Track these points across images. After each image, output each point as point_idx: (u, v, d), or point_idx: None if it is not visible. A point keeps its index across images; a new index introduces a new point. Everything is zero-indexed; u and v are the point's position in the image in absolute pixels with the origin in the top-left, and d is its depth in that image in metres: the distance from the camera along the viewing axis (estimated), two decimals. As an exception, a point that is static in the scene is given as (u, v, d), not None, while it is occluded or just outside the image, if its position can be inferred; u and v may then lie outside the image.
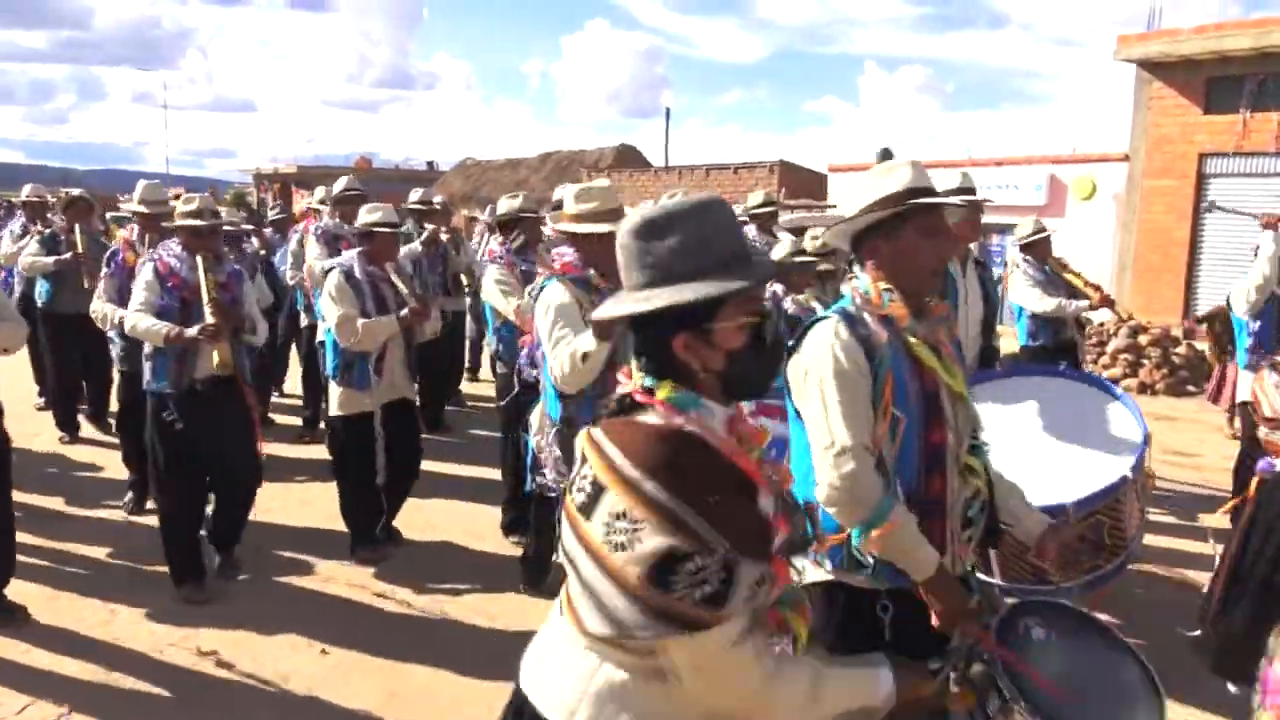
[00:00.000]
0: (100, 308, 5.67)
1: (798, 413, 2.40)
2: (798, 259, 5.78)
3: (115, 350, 6.15)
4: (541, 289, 4.06)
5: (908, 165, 2.39)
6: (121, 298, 5.47)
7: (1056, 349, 6.26)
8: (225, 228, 6.70)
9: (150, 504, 5.92)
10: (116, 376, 6.44)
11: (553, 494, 4.32)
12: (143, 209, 6.17)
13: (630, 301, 1.66)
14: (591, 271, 4.00)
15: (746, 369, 1.67)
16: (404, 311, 5.22)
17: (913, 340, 2.32)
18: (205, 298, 4.74)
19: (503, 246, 5.92)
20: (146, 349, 4.84)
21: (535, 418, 4.39)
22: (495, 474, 6.56)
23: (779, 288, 5.66)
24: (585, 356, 3.69)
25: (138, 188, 6.40)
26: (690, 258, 1.62)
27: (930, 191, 2.37)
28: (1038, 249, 6.45)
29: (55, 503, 6.38)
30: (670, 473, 1.53)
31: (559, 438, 4.08)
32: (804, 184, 22.25)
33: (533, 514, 4.85)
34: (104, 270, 5.86)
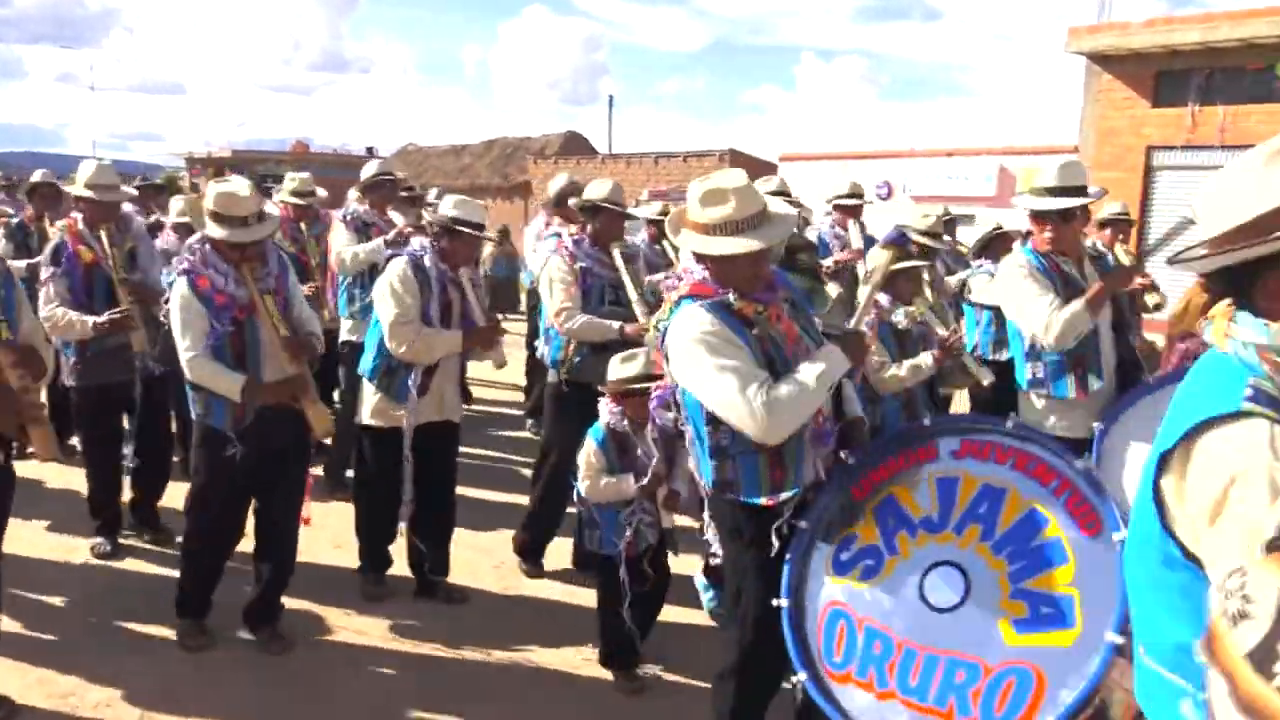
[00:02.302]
0: (56, 314, 4.73)
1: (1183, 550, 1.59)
2: (903, 263, 4.57)
3: (67, 362, 5.02)
4: (671, 315, 3.00)
5: None
6: (77, 298, 4.81)
7: None
8: (181, 219, 6.18)
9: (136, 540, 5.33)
10: (75, 396, 5.25)
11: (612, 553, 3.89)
12: (90, 194, 5.06)
13: None
14: (732, 296, 2.90)
15: None
16: (473, 329, 4.44)
17: None
18: (274, 338, 3.88)
19: (574, 237, 5.03)
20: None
21: (585, 459, 3.95)
22: (504, 495, 6.26)
23: (884, 298, 4.55)
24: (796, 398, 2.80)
25: (83, 168, 5.24)
26: None
27: None
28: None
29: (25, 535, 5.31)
30: None
31: (715, 505, 3.13)
32: (753, 173, 22.00)
33: (598, 586, 4.13)
34: (47, 269, 4.87)
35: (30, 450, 3.57)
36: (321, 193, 7.32)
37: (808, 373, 2.79)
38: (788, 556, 2.86)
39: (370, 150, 42.12)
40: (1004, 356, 5.89)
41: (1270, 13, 14.01)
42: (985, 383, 4.73)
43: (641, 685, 4.02)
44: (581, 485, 3.98)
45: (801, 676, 2.73)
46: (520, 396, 9.00)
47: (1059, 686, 2.41)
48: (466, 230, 4.39)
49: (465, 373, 4.74)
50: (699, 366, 2.81)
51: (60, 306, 4.77)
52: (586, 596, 4.49)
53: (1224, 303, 1.64)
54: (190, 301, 3.83)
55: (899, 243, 3.94)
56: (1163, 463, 1.62)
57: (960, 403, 7.02)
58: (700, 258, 2.96)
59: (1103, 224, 7.22)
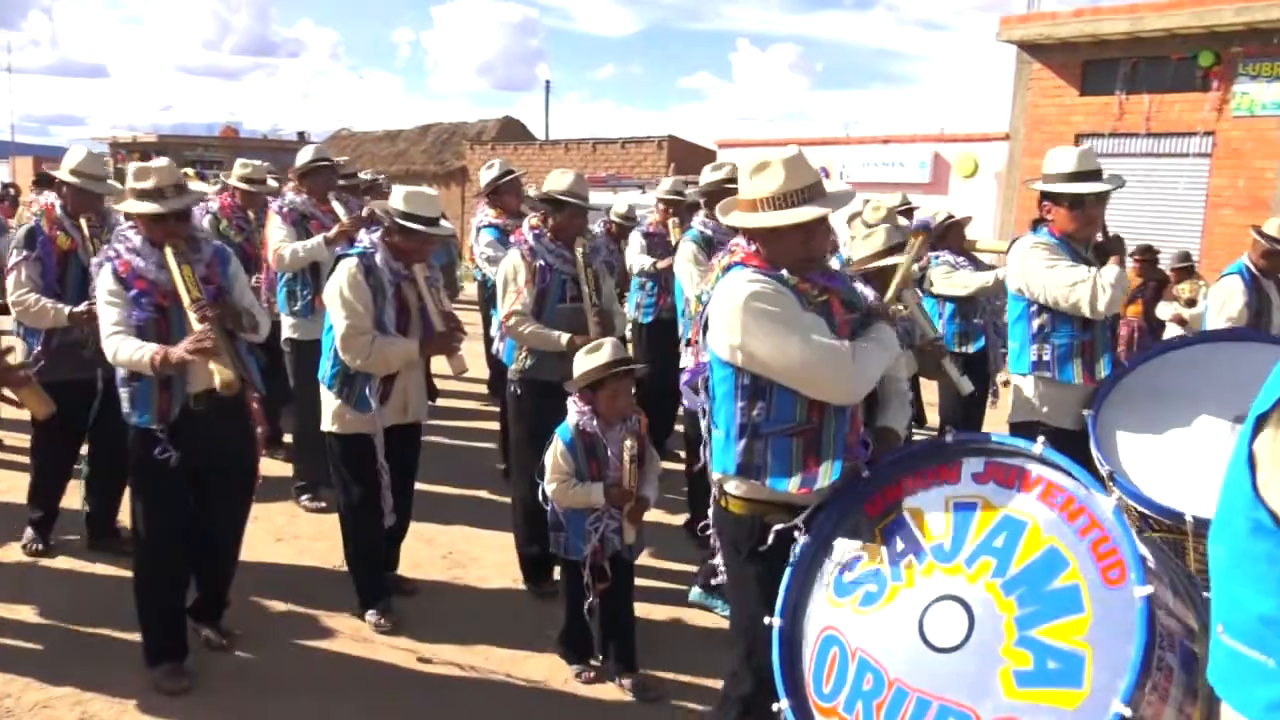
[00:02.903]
0: (28, 299, 4.55)
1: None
2: (889, 258, 4.28)
3: (29, 351, 4.71)
4: (721, 278, 2.82)
5: None
6: (48, 286, 4.62)
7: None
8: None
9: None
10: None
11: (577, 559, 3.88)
12: (75, 180, 4.73)
13: None
14: (785, 272, 2.72)
15: None
16: (430, 339, 4.24)
17: None
18: (186, 300, 3.66)
19: (534, 230, 4.82)
20: (120, 372, 3.82)
21: (552, 459, 3.85)
22: (479, 491, 6.23)
23: (869, 292, 4.33)
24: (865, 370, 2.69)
25: (71, 153, 4.89)
26: None
27: None
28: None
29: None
30: None
31: (720, 516, 2.97)
32: (692, 159, 22.18)
33: (563, 584, 4.12)
34: (19, 252, 4.63)
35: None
36: (273, 183, 7.07)
37: (877, 332, 2.76)
38: (789, 570, 2.71)
39: (302, 135, 41.31)
40: (971, 349, 5.89)
41: (1194, 3, 14.36)
42: (964, 394, 4.60)
43: (594, 676, 4.05)
44: (548, 487, 3.89)
45: (784, 704, 2.56)
46: (481, 389, 8.99)
47: None
48: (420, 230, 4.17)
49: (430, 370, 4.48)
50: (761, 323, 2.60)
51: (32, 292, 4.60)
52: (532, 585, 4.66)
53: None
54: (111, 286, 3.73)
55: (927, 229, 3.90)
56: (1259, 424, 1.59)
57: (929, 391, 7.03)
58: (751, 237, 2.77)
59: None
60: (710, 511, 3.03)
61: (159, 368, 3.61)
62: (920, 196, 13.18)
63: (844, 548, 2.69)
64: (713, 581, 4.20)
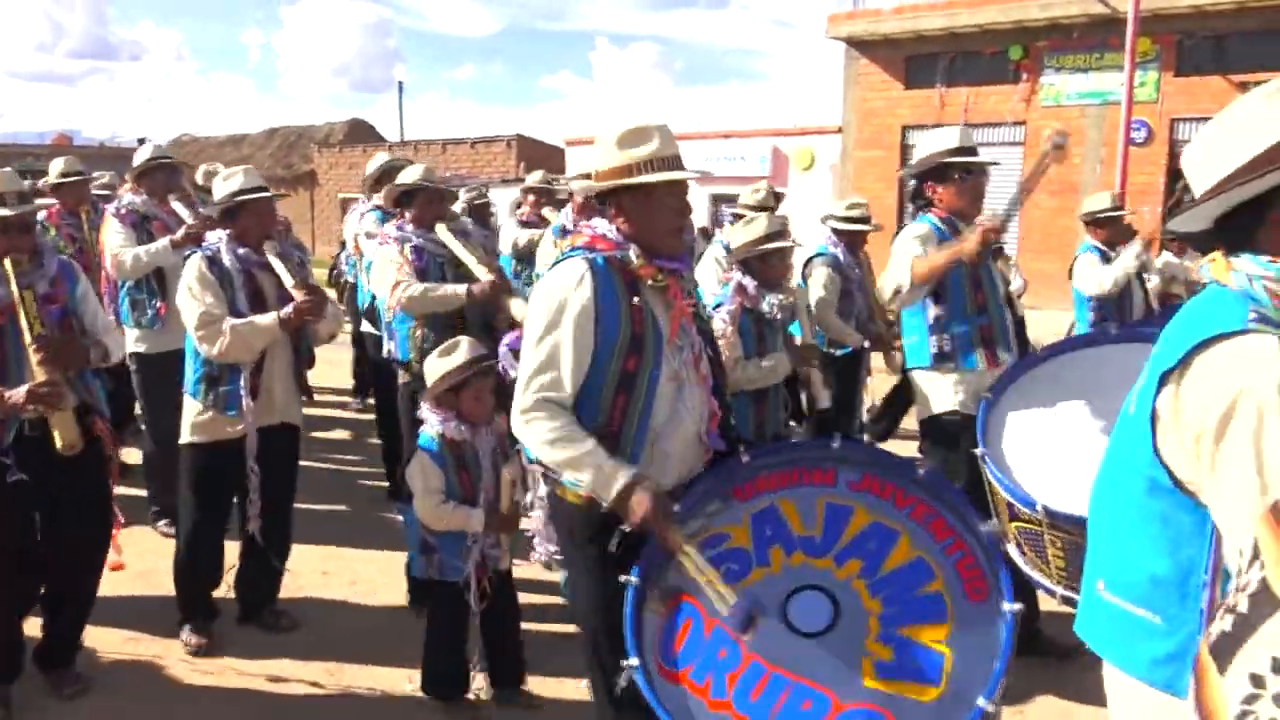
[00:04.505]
0: None
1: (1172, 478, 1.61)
2: (773, 243, 4.20)
3: None
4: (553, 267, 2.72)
5: None
6: None
7: None
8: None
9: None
10: None
11: (454, 579, 3.49)
12: None
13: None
14: (633, 252, 2.61)
15: None
16: (288, 309, 3.89)
17: None
18: (26, 336, 3.29)
19: (396, 224, 4.67)
20: None
21: (420, 475, 3.52)
22: (346, 506, 5.97)
23: (750, 283, 4.17)
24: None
25: None
26: None
27: None
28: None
29: None
30: None
31: (552, 501, 2.84)
32: (542, 157, 22.27)
33: (432, 613, 3.69)
34: None
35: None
36: (100, 175, 6.69)
37: (582, 453, 2.50)
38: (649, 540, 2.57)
39: (142, 141, 39.63)
40: (839, 351, 5.62)
41: (1004, 0, 15.22)
42: (821, 405, 4.51)
43: (477, 712, 3.65)
44: (419, 508, 3.51)
45: (633, 662, 2.38)
46: (349, 399, 8.64)
47: None
48: (252, 198, 3.95)
49: (303, 368, 4.16)
50: (532, 330, 2.59)
51: None
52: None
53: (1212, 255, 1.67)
54: None
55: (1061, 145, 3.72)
56: (1162, 382, 1.60)
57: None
58: (619, 210, 2.63)
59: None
60: (544, 500, 2.92)
61: None
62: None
63: (707, 523, 2.63)
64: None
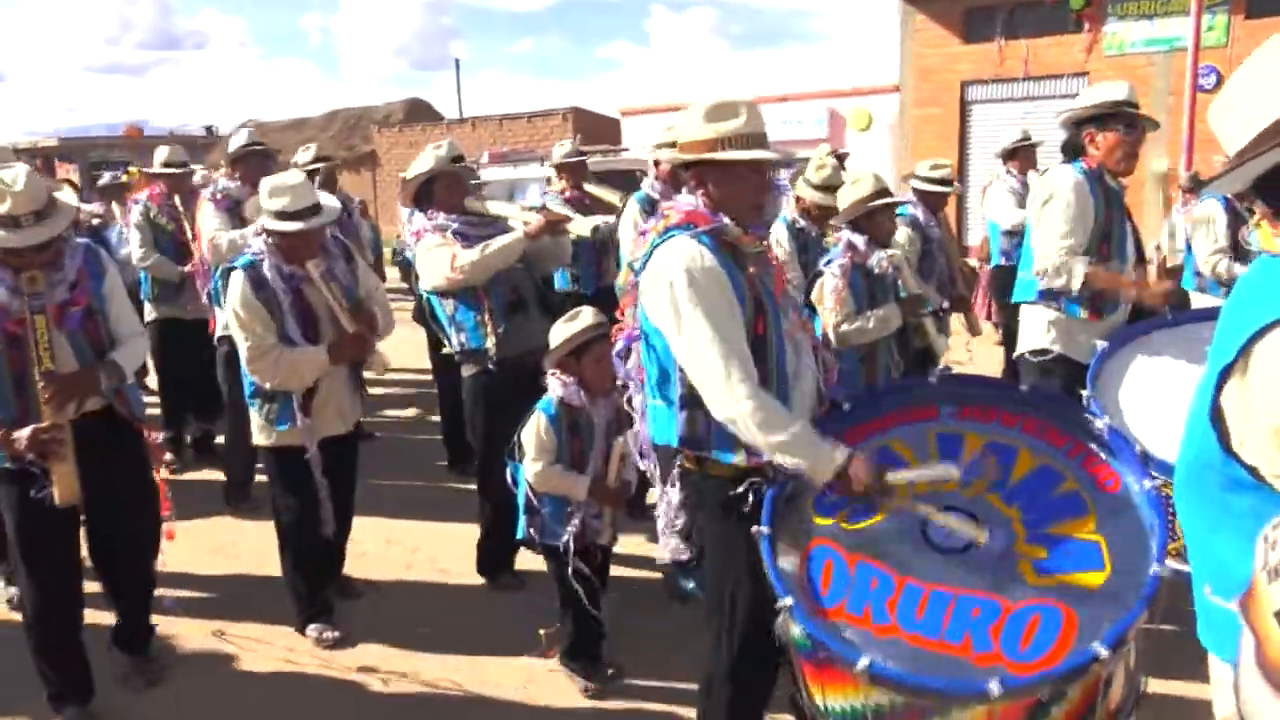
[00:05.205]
0: None
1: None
2: (880, 199, 4.28)
3: None
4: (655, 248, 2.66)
5: None
6: None
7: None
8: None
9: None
10: None
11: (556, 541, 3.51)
12: None
13: None
14: (729, 222, 2.62)
15: None
16: (336, 345, 3.82)
17: None
18: (36, 371, 3.18)
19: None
20: None
21: (535, 436, 3.53)
22: (414, 479, 6.00)
23: (859, 239, 4.23)
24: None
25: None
26: None
27: None
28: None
29: None
30: None
31: (688, 480, 2.74)
32: (598, 129, 22.37)
33: (558, 581, 3.65)
34: None
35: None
36: (199, 169, 6.92)
37: (795, 435, 2.44)
38: (770, 492, 2.56)
39: (209, 129, 40.42)
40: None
41: (1063, -52, 14.88)
42: (943, 351, 4.49)
43: (606, 682, 3.66)
44: (529, 469, 3.55)
45: (787, 601, 2.32)
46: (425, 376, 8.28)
47: (1093, 623, 2.14)
48: (295, 228, 3.76)
49: (361, 371, 4.14)
50: (683, 311, 2.50)
51: None
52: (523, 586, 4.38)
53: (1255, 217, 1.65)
54: None
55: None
56: (1223, 378, 1.51)
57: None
58: (700, 182, 2.64)
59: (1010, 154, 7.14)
60: (675, 482, 2.79)
61: None
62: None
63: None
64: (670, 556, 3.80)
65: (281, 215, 3.76)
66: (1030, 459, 2.51)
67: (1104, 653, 2.04)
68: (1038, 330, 4.03)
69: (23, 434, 3.13)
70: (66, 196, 3.48)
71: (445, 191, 4.40)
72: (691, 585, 4.08)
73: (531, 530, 3.61)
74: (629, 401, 2.92)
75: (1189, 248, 5.98)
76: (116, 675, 3.75)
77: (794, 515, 2.55)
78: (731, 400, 2.45)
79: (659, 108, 20.60)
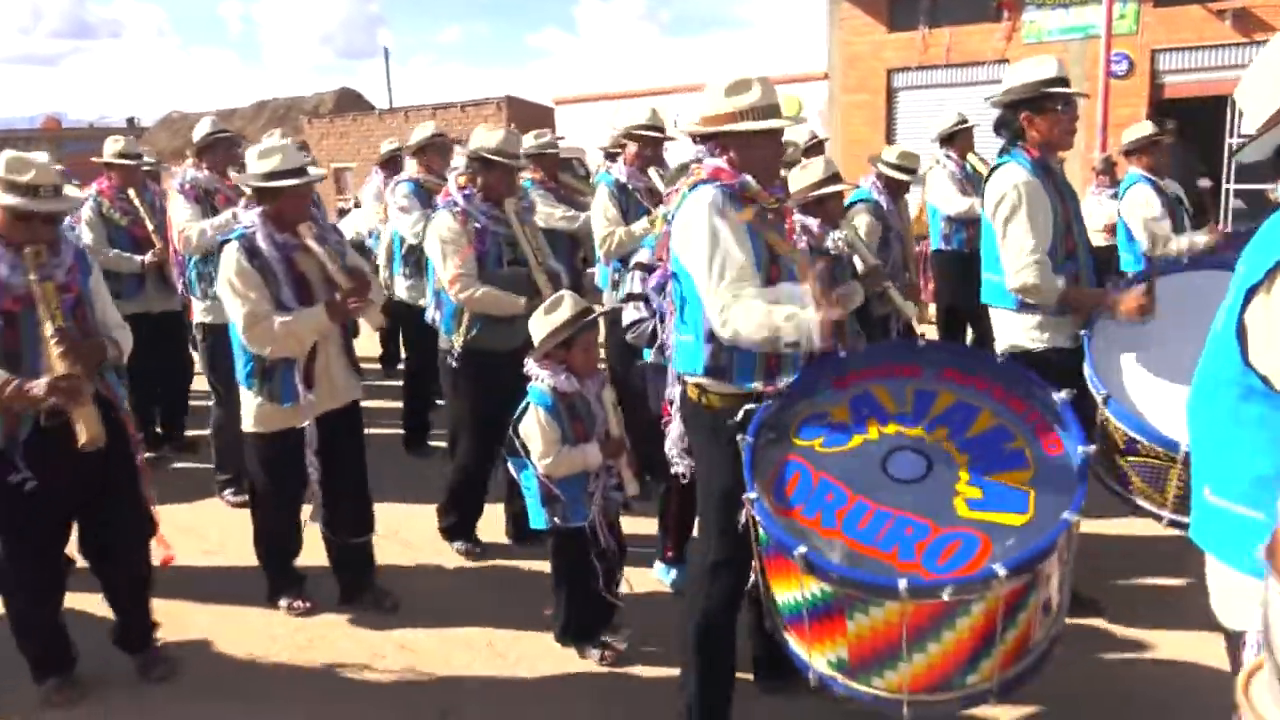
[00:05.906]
0: None
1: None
2: (829, 187, 4.48)
3: None
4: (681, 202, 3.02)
5: None
6: None
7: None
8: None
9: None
10: None
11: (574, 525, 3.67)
12: None
13: None
14: (750, 179, 2.96)
15: None
16: (333, 302, 3.83)
17: None
18: (48, 328, 3.25)
19: (463, 191, 4.57)
20: None
21: (537, 430, 3.62)
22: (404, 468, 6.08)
23: (812, 222, 4.33)
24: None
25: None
26: None
27: None
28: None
29: None
30: None
31: (690, 410, 3.18)
32: (533, 118, 22.35)
33: (558, 564, 3.85)
34: None
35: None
36: (150, 159, 6.83)
37: (780, 311, 2.78)
38: (760, 408, 2.93)
39: (131, 121, 39.58)
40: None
41: (983, -62, 15.26)
42: (911, 316, 4.66)
43: (614, 653, 3.79)
44: (541, 464, 3.61)
45: (752, 495, 2.71)
46: (374, 366, 8.42)
47: (1003, 552, 2.47)
48: (286, 184, 3.81)
49: (352, 345, 4.15)
50: (703, 243, 2.87)
51: None
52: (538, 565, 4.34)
53: None
54: None
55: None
56: (1249, 297, 1.68)
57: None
58: (722, 148, 3.00)
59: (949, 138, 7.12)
60: (676, 406, 3.27)
61: (7, 399, 3.20)
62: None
63: (811, 404, 3.00)
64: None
65: (274, 175, 3.81)
66: (990, 419, 2.89)
67: (1002, 573, 2.36)
68: (1016, 332, 4.00)
69: (40, 382, 3.20)
70: (71, 190, 3.73)
71: (500, 179, 4.51)
72: (674, 575, 4.34)
73: (555, 519, 3.67)
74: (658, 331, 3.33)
75: (1127, 234, 6.02)
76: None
77: (778, 431, 2.93)
78: (719, 309, 2.83)
79: (593, 96, 20.71)
